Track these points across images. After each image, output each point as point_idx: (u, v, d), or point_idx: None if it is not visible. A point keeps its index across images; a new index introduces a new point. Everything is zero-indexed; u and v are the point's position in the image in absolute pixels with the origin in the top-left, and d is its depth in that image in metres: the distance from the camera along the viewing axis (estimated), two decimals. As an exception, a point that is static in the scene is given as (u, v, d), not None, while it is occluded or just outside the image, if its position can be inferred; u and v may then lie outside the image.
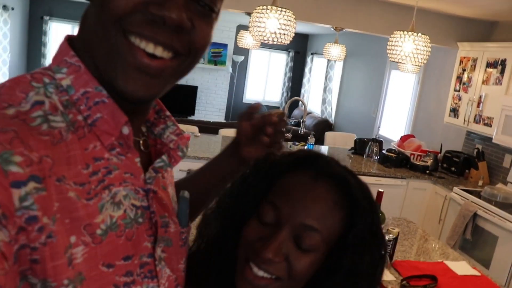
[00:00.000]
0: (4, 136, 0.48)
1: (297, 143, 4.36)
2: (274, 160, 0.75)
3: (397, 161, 4.14)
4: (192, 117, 8.67)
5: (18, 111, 0.51)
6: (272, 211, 0.68)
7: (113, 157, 0.58)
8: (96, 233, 0.54)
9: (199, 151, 3.65)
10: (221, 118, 9.03)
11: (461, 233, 3.48)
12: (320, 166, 0.71)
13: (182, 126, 4.47)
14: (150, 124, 0.71)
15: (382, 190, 2.04)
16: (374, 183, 3.85)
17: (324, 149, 4.67)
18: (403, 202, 4.02)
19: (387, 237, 2.04)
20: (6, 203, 0.45)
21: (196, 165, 3.66)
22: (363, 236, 0.69)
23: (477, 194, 3.61)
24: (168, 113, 0.72)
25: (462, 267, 2.12)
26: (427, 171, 4.09)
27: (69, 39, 0.61)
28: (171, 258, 0.66)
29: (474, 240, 3.42)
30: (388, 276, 1.94)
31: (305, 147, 4.29)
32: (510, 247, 3.10)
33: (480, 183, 3.97)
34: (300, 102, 8.87)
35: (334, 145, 5.18)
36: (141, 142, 0.67)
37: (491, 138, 3.66)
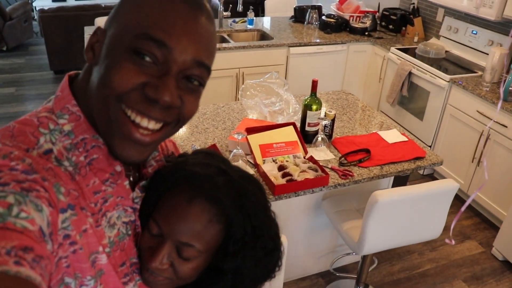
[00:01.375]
0: (47, 172, 0.61)
1: (236, 19, 4.28)
2: (163, 175, 0.80)
3: (337, 26, 4.19)
4: None
5: (39, 154, 0.63)
6: (156, 227, 0.76)
7: (108, 187, 0.71)
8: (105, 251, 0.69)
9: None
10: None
11: (399, 90, 3.73)
12: (196, 186, 0.76)
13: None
14: None
15: (316, 79, 2.15)
16: (316, 52, 3.95)
17: (266, 19, 4.61)
18: (345, 66, 4.18)
19: (324, 122, 2.22)
20: (55, 224, 0.59)
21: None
22: (243, 243, 0.77)
23: (413, 52, 3.80)
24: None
25: (392, 135, 2.37)
26: (366, 33, 4.19)
27: (70, 79, 0.71)
28: None
29: (410, 95, 3.70)
30: (328, 155, 2.17)
31: (246, 23, 4.23)
32: (439, 100, 3.39)
33: (416, 39, 4.13)
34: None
35: (275, 13, 5.10)
36: (131, 174, 0.79)
37: (424, -6, 3.72)
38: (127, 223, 0.75)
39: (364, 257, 2.27)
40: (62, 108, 0.69)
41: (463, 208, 1.81)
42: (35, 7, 6.95)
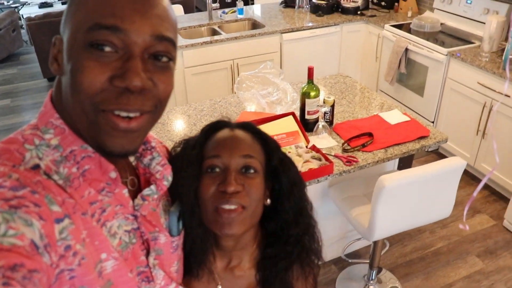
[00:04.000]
0: (35, 185, 0.60)
1: (226, 10, 4.21)
2: (193, 137, 0.97)
3: (328, 8, 4.12)
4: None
5: (26, 169, 0.61)
6: (216, 160, 0.89)
7: (105, 197, 0.70)
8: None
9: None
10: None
11: (396, 68, 3.67)
12: (230, 123, 0.97)
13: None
14: (139, 154, 0.82)
15: (312, 66, 2.10)
16: (309, 36, 3.88)
17: (256, 7, 4.54)
18: (340, 48, 4.11)
19: (324, 109, 2.17)
20: (51, 235, 0.58)
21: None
22: (281, 157, 0.96)
23: (407, 28, 3.73)
24: (153, 143, 0.83)
25: (394, 115, 2.32)
26: (359, 12, 4.11)
27: (55, 97, 0.69)
28: (163, 263, 0.80)
29: (408, 72, 3.64)
30: (330, 142, 2.13)
31: (236, 13, 4.16)
32: (438, 74, 3.33)
33: (410, 14, 4.06)
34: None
35: (265, 0, 5.01)
36: (128, 181, 0.78)
37: (415, -33, 3.64)
38: (129, 232, 0.74)
39: (375, 242, 2.24)
40: (46, 123, 0.68)
41: (475, 193, 1.77)
42: (22, 15, 6.87)
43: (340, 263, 2.62)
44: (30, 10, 6.87)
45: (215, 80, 3.71)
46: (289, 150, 1.98)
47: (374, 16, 4.10)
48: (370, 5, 4.34)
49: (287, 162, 0.97)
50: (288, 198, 0.95)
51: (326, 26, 3.93)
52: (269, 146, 0.95)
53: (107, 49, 0.60)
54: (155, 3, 0.64)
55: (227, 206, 0.85)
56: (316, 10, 4.13)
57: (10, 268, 0.49)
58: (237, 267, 0.97)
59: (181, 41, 3.55)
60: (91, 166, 0.68)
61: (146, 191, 0.76)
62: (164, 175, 0.81)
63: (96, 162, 0.68)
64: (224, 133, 0.94)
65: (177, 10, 4.62)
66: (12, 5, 7.16)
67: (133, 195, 0.76)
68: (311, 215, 1.01)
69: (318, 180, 1.86)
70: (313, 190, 2.33)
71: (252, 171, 0.89)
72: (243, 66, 3.70)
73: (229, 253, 0.97)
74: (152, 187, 0.77)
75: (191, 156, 0.91)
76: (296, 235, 0.96)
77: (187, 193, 0.88)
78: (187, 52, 3.50)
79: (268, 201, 0.95)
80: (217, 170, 0.88)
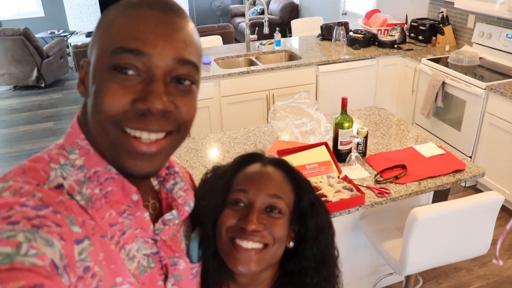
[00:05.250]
0: (58, 205, 0.61)
1: (264, 42, 4.32)
2: (224, 166, 0.97)
3: (365, 41, 4.15)
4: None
5: (50, 188, 0.63)
6: (242, 195, 0.87)
7: (125, 219, 0.70)
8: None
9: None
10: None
11: (433, 101, 3.64)
12: (263, 158, 0.95)
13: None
14: (162, 179, 0.83)
15: (346, 97, 2.12)
16: (345, 68, 3.92)
17: (293, 40, 4.63)
18: (376, 81, 4.12)
19: (357, 140, 2.17)
20: (70, 256, 0.59)
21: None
22: (311, 200, 0.93)
23: (445, 61, 3.71)
24: (177, 168, 0.84)
25: (429, 148, 2.29)
26: (395, 46, 4.13)
27: (82, 118, 0.71)
28: None
29: (445, 106, 3.60)
30: (363, 173, 2.12)
31: (273, 44, 4.25)
32: (476, 108, 3.28)
33: (447, 48, 4.04)
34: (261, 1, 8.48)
35: (302, 33, 5.11)
36: (149, 205, 0.79)
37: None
38: (148, 255, 0.74)
39: (407, 277, 2.18)
40: (72, 144, 0.70)
41: (508, 226, 1.71)
42: (70, 43, 7.26)
43: (371, 298, 2.56)
44: (78, 39, 7.26)
45: (251, 109, 3.78)
46: (320, 180, 1.98)
47: (411, 49, 4.10)
48: (407, 39, 4.35)
49: (317, 206, 0.93)
50: (311, 245, 0.92)
51: (362, 59, 3.96)
52: (300, 187, 0.92)
53: (130, 72, 0.62)
54: (179, 27, 0.65)
55: (244, 244, 0.83)
56: (352, 43, 4.17)
57: None
58: None
59: (218, 70, 3.65)
60: (113, 187, 0.69)
61: (167, 216, 0.76)
62: (186, 200, 0.81)
63: (119, 184, 0.69)
64: (255, 167, 0.92)
65: (216, 41, 4.76)
66: (62, 34, 7.59)
67: (154, 219, 0.76)
68: (335, 264, 0.97)
69: (349, 211, 1.85)
70: (344, 222, 2.31)
71: (276, 211, 0.87)
72: (279, 97, 3.76)
73: None
74: (174, 212, 0.78)
75: (218, 186, 0.90)
76: (315, 284, 0.92)
77: (206, 222, 0.87)
78: (224, 82, 3.60)
79: (291, 244, 0.92)
80: (241, 205, 0.87)
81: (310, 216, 0.92)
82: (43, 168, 0.65)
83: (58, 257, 0.56)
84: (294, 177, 0.93)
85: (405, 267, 1.85)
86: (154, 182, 0.83)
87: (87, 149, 0.69)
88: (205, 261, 0.89)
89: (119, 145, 0.64)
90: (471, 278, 2.73)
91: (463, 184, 3.54)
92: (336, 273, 0.97)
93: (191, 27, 0.68)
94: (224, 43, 4.79)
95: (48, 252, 0.54)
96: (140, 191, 0.73)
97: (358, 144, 2.20)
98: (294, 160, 2.03)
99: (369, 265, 2.53)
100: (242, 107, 3.75)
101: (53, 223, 0.58)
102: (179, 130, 0.68)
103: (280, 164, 0.94)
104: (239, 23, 7.81)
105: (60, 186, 0.65)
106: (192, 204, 0.83)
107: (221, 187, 0.90)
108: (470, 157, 3.42)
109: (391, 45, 4.12)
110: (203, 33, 5.43)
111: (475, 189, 3.54)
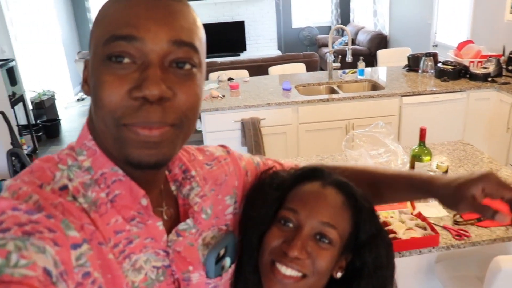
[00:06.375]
0: (55, 208, 0.59)
1: (346, 71, 4.25)
2: (283, 176, 0.88)
3: (455, 73, 3.91)
4: (244, 53, 8.64)
5: (53, 189, 0.62)
6: (292, 215, 0.80)
7: (133, 227, 0.66)
8: None
9: (249, 98, 3.67)
10: (273, 49, 8.92)
11: (531, 141, 3.31)
12: (325, 176, 0.85)
13: (231, 73, 4.50)
14: (179, 184, 0.78)
15: (425, 127, 1.99)
16: (431, 101, 3.72)
17: (381, 70, 4.51)
18: (465, 116, 3.84)
19: (436, 173, 2.02)
20: (67, 262, 0.56)
21: (248, 114, 3.75)
22: (372, 232, 0.83)
23: (546, 98, 3.37)
24: (193, 172, 0.78)
25: (520, 191, 2.06)
26: (489, 78, 3.84)
27: (90, 119, 0.69)
28: None
29: (545, 147, 3.25)
30: (440, 211, 1.95)
31: (356, 73, 4.17)
32: None
33: (550, 82, 3.68)
34: (348, 27, 8.45)
35: (388, 63, 4.96)
36: (163, 211, 0.74)
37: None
38: (159, 268, 0.69)
39: (488, 334, 1.95)
40: (81, 145, 0.68)
41: None
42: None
43: None
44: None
45: (329, 138, 3.70)
46: (391, 214, 1.85)
47: (508, 83, 3.78)
48: (504, 72, 4.02)
49: (379, 240, 0.83)
50: (367, 282, 0.83)
51: (451, 92, 3.73)
52: (361, 216, 0.82)
53: (125, 60, 0.59)
54: (173, 10, 0.61)
55: (283, 270, 0.77)
56: (441, 75, 3.96)
57: None
58: None
59: (297, 96, 3.64)
60: (121, 191, 0.65)
61: (181, 226, 0.72)
62: (203, 207, 0.76)
63: (127, 186, 0.66)
64: (313, 187, 0.83)
65: (299, 68, 4.78)
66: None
67: (169, 227, 0.71)
68: None
69: (420, 251, 1.70)
70: (416, 263, 2.13)
71: (326, 241, 0.78)
72: (359, 127, 3.61)
73: None
74: (189, 221, 0.73)
75: (271, 198, 0.83)
76: None
77: (251, 234, 0.82)
78: (303, 108, 3.57)
79: (339, 274, 0.84)
80: (290, 225, 0.80)
81: (368, 250, 0.82)
82: (50, 168, 0.64)
83: (52, 264, 0.53)
84: (357, 204, 0.82)
85: (483, 322, 1.65)
86: (173, 187, 0.78)
87: (93, 150, 0.67)
88: (245, 274, 0.83)
89: (123, 137, 0.60)
90: None
91: None
92: None
93: (189, 10, 0.64)
94: (308, 71, 4.79)
95: (40, 260, 0.52)
96: (152, 196, 0.69)
97: (436, 180, 2.04)
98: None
99: (444, 314, 2.30)
100: (320, 135, 3.68)
101: (46, 228, 0.55)
102: (181, 123, 0.62)
103: (343, 187, 0.83)
104: (326, 53, 7.81)
105: (64, 188, 0.63)
106: (209, 211, 0.77)
107: (274, 199, 0.83)
108: None
109: (484, 78, 3.83)
110: (287, 60, 5.47)
111: None
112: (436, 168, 2.04)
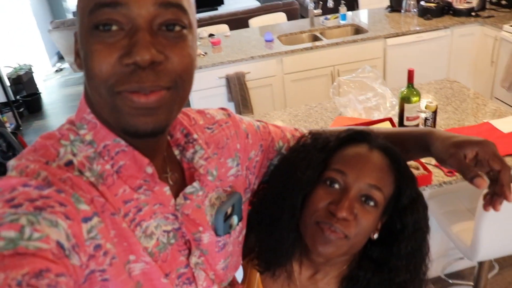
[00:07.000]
0: (64, 183, 0.59)
1: (328, 16, 4.17)
2: (326, 137, 0.89)
3: (438, 10, 3.86)
4: (222, 7, 8.40)
5: (59, 165, 0.62)
6: (340, 177, 0.82)
7: (141, 195, 0.67)
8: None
9: (232, 53, 3.60)
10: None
11: (515, 73, 3.32)
12: (371, 140, 0.86)
13: (211, 28, 4.39)
14: (182, 148, 0.78)
15: (412, 68, 1.98)
16: (415, 40, 3.68)
17: (363, 13, 4.42)
18: (450, 53, 3.83)
19: (425, 115, 2.03)
20: (78, 235, 0.57)
21: (232, 69, 3.72)
22: (413, 197, 0.84)
23: (530, 28, 3.36)
24: (195, 136, 0.78)
25: (508, 123, 2.09)
26: (473, 13, 3.79)
27: (86, 92, 0.68)
28: (209, 263, 0.76)
29: (529, 78, 3.27)
30: (431, 150, 1.97)
31: (338, 19, 4.10)
32: None
33: (534, 13, 3.65)
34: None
35: (370, 5, 4.87)
36: (168, 176, 0.74)
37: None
38: (170, 231, 0.70)
39: (481, 263, 2.03)
40: (81, 119, 0.67)
41: None
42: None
43: (440, 283, 2.41)
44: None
45: (315, 86, 3.68)
46: (383, 157, 1.87)
47: (492, 17, 3.75)
48: (487, 5, 3.98)
49: (418, 204, 0.85)
50: (407, 244, 0.85)
51: (434, 30, 3.69)
52: (404, 180, 0.84)
53: (113, 28, 0.57)
54: None
55: (327, 229, 0.79)
56: (424, 13, 3.90)
57: (35, 274, 0.48)
58: (321, 280, 0.92)
59: (281, 47, 3.58)
60: (126, 161, 0.66)
61: (188, 189, 0.73)
62: (208, 169, 0.76)
63: (131, 156, 0.66)
64: (360, 149, 0.84)
65: (280, 18, 4.68)
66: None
67: (176, 191, 0.72)
68: (426, 265, 0.89)
69: (414, 190, 1.74)
70: (411, 202, 2.18)
71: (372, 203, 0.80)
72: (344, 73, 3.61)
73: (317, 266, 0.91)
74: (195, 184, 0.74)
75: (316, 159, 0.84)
76: (401, 281, 0.86)
77: (295, 195, 0.83)
78: (287, 59, 3.52)
79: (376, 235, 0.86)
80: (337, 186, 0.81)
81: (410, 214, 0.84)
82: (53, 145, 0.64)
83: (65, 237, 0.54)
84: (400, 169, 0.84)
85: (476, 253, 1.71)
86: (176, 151, 0.78)
87: (94, 123, 0.66)
88: (282, 232, 0.86)
89: (119, 106, 0.59)
90: (557, 266, 2.49)
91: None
92: (422, 276, 0.89)
93: None
94: (289, 20, 4.69)
95: (53, 233, 0.52)
96: (156, 162, 0.69)
97: (426, 119, 2.05)
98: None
99: (438, 248, 2.38)
100: (306, 84, 3.66)
101: (57, 202, 0.56)
102: (176, 85, 0.61)
103: (388, 152, 0.84)
104: (306, -1, 7.63)
105: (70, 163, 0.63)
106: (215, 172, 0.77)
107: (319, 160, 0.84)
108: (558, 133, 3.10)
109: (467, 13, 3.79)
110: (267, 11, 5.34)
111: None
112: (426, 108, 2.04)
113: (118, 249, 0.63)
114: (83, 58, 0.61)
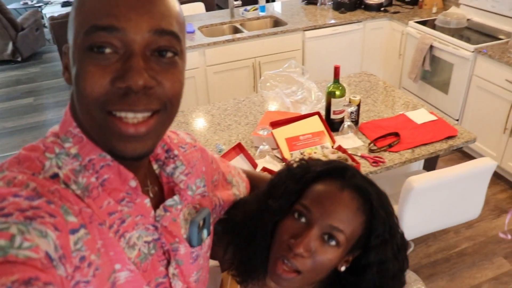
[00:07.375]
0: (52, 195, 0.59)
1: (248, 8, 4.21)
2: (307, 167, 0.89)
3: (351, 5, 4.07)
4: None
5: (45, 178, 0.61)
6: (306, 212, 0.82)
7: (124, 207, 0.68)
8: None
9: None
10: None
11: (421, 65, 3.62)
12: (347, 177, 0.84)
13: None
14: (162, 163, 0.79)
15: (338, 65, 2.08)
16: (331, 33, 3.85)
17: (277, 4, 4.52)
18: (363, 45, 4.07)
19: (350, 109, 2.16)
20: (65, 246, 0.57)
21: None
22: (384, 238, 0.83)
23: (432, 24, 3.67)
24: (176, 152, 0.80)
25: (421, 115, 2.29)
26: (382, 8, 4.06)
27: (72, 105, 0.67)
28: (183, 273, 0.78)
29: (432, 69, 3.58)
30: (356, 142, 2.11)
31: (258, 10, 4.15)
32: (464, 71, 3.27)
33: (435, 9, 3.99)
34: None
35: (286, -3, 4.99)
36: (149, 189, 0.76)
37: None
38: (150, 242, 0.72)
39: (401, 243, 2.22)
40: (66, 132, 0.67)
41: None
42: (45, 14, 6.97)
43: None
44: (53, 9, 6.97)
45: (237, 78, 3.72)
46: (315, 150, 1.97)
47: (398, 12, 4.04)
48: (394, 1, 4.28)
49: (387, 247, 0.83)
50: (372, 280, 0.85)
51: (348, 23, 3.89)
52: (375, 222, 0.82)
53: (107, 50, 0.58)
54: None
55: (284, 263, 0.81)
56: (338, 7, 4.09)
57: (25, 282, 0.48)
58: None
59: (202, 39, 3.56)
60: (110, 175, 0.66)
61: (169, 202, 0.75)
62: (188, 184, 0.79)
63: (115, 170, 0.67)
64: (330, 187, 0.83)
65: (199, 8, 4.63)
66: (36, 5, 7.27)
67: (155, 204, 0.74)
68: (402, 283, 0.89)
69: (344, 181, 1.85)
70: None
71: (333, 243, 0.80)
72: (265, 64, 3.69)
73: None
74: (176, 197, 0.76)
75: (290, 190, 0.86)
76: None
77: (266, 221, 0.86)
78: (209, 51, 3.51)
79: (343, 268, 0.86)
80: (303, 220, 0.81)
81: (375, 254, 0.83)
82: (38, 157, 0.64)
83: (53, 248, 0.55)
84: (373, 210, 0.82)
85: (400, 235, 1.87)
86: (155, 166, 0.80)
87: (80, 137, 0.66)
88: (255, 251, 0.87)
89: (107, 129, 0.61)
90: (459, 240, 2.80)
91: (453, 149, 3.57)
92: None
93: None
94: (206, 10, 4.66)
95: (42, 243, 0.53)
96: (139, 176, 0.71)
97: (351, 113, 2.18)
98: (287, 131, 2.02)
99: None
100: (229, 76, 3.68)
101: (47, 213, 0.56)
102: (165, 108, 0.63)
103: (362, 192, 0.82)
104: (220, -13, 7.59)
105: (55, 176, 0.63)
106: (194, 188, 0.81)
107: (293, 191, 0.85)
108: (457, 120, 3.45)
109: (377, 8, 4.05)
110: (184, 2, 5.26)
111: (461, 152, 3.58)
112: (350, 102, 2.17)
113: (104, 259, 0.63)
114: (74, 76, 0.61)
